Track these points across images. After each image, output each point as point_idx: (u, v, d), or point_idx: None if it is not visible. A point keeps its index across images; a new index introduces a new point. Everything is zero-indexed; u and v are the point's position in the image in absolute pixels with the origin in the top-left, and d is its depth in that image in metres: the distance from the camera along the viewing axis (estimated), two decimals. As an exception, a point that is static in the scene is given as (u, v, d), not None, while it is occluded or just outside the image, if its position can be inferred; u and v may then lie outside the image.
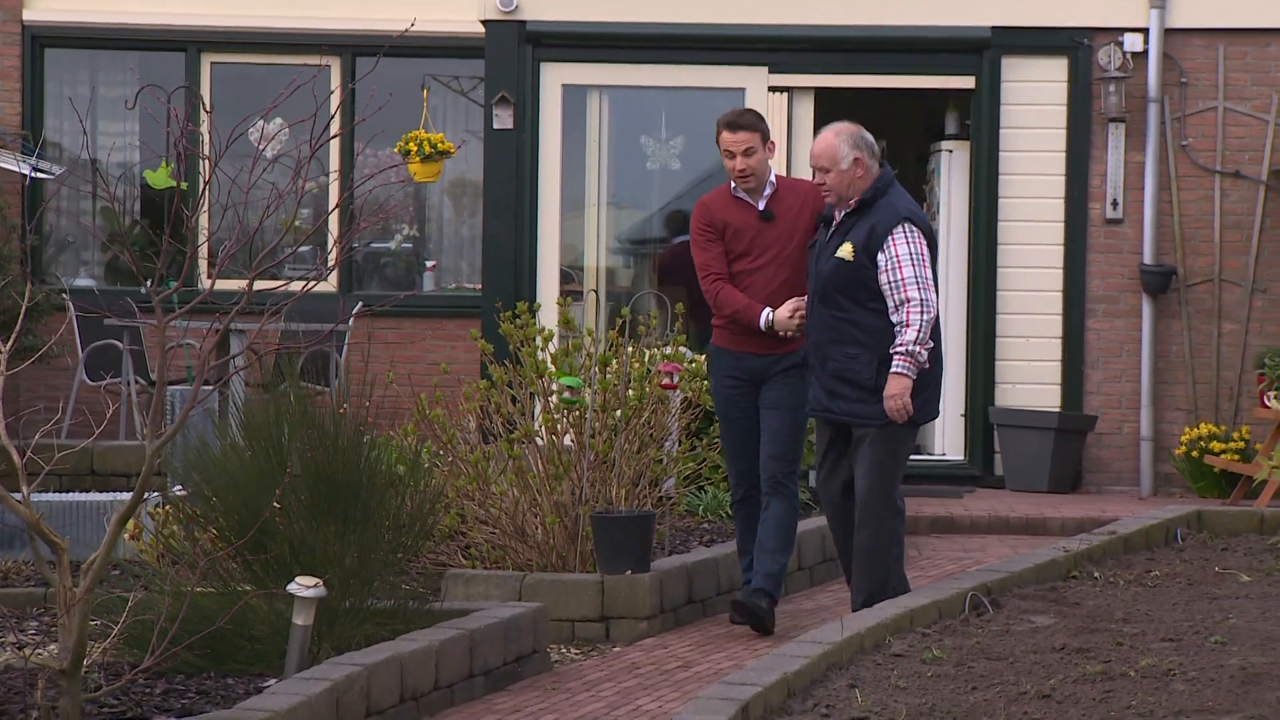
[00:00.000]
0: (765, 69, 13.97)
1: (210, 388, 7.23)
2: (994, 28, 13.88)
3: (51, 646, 7.93)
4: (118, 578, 8.55)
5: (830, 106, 14.52)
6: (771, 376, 9.10)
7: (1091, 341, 13.90)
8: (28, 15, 15.10)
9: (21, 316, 6.83)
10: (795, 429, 9.13)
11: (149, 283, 6.47)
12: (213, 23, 15.04)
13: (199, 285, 14.25)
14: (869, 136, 8.86)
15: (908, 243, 8.53)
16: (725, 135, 9.04)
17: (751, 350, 9.10)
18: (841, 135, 8.74)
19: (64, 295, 13.61)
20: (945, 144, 14.55)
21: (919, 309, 8.46)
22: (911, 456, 14.29)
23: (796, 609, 9.86)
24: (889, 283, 8.50)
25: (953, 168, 14.39)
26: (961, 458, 14.09)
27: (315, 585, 7.27)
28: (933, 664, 7.50)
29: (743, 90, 13.90)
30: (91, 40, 15.20)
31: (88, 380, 13.69)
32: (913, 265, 8.50)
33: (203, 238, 12.77)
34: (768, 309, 8.96)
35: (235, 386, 11.39)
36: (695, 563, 9.66)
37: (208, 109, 11.73)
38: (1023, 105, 13.96)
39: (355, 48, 14.76)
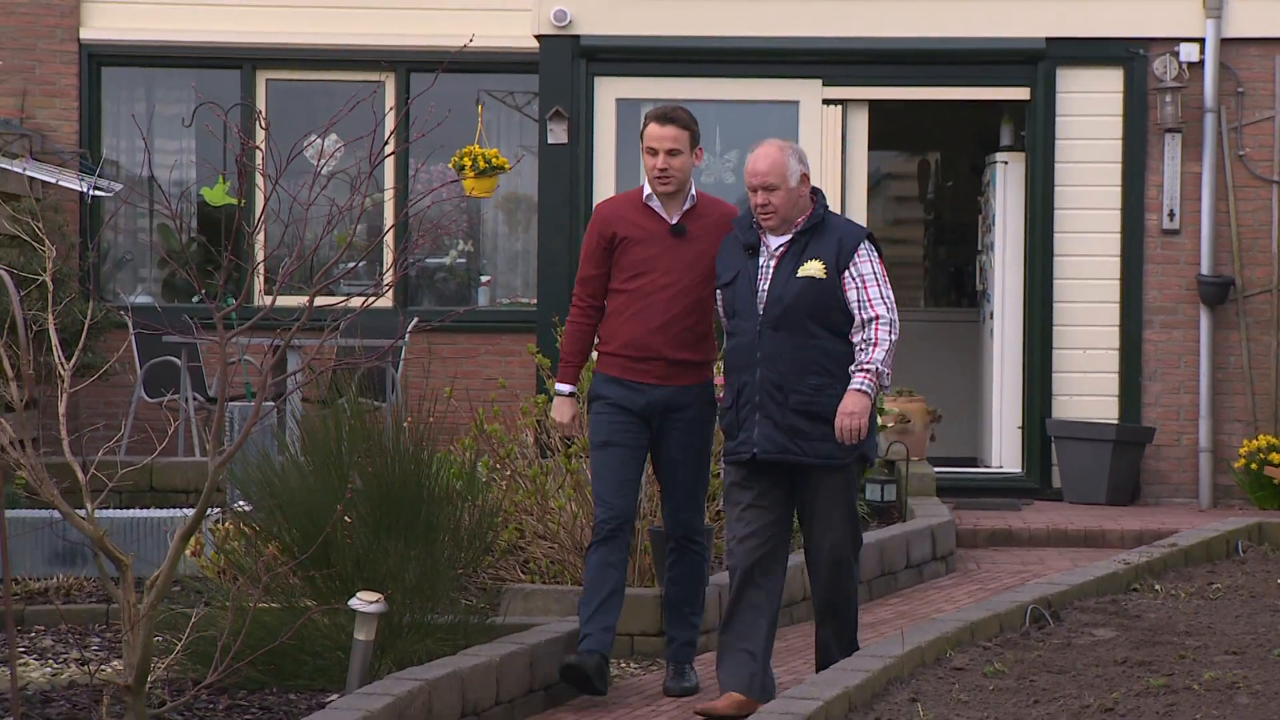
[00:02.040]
0: (819, 82, 13.96)
1: (271, 404, 7.24)
2: (1049, 39, 13.85)
3: (116, 662, 7.97)
4: (180, 594, 8.58)
5: (884, 119, 14.53)
6: (671, 416, 8.02)
7: (1149, 353, 13.84)
8: (85, 34, 15.19)
9: (83, 334, 6.86)
10: (700, 478, 8.16)
11: (203, 293, 6.48)
12: (268, 40, 15.10)
13: (255, 302, 14.31)
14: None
15: (871, 261, 7.76)
16: (652, 129, 8.02)
17: (647, 380, 8.00)
18: (787, 150, 7.83)
19: (123, 313, 13.68)
20: (1000, 156, 14.52)
21: (888, 328, 7.68)
22: (968, 469, 14.42)
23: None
24: (856, 300, 7.69)
25: (1008, 179, 14.35)
26: (1019, 470, 14.04)
27: (377, 601, 7.29)
28: (994, 678, 7.48)
29: (796, 103, 13.90)
30: (148, 58, 15.27)
31: (146, 397, 13.75)
32: (878, 284, 7.73)
33: (260, 255, 12.85)
34: (571, 388, 8.16)
35: (293, 402, 11.43)
36: (754, 576, 9.62)
37: (265, 125, 11.82)
38: (1078, 116, 13.92)
39: (410, 63, 14.80)
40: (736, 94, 14.08)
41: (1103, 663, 7.72)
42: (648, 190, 8.07)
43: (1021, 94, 14.01)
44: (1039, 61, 13.86)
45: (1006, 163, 14.41)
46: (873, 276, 7.72)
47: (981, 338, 14.96)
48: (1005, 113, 14.68)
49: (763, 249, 7.80)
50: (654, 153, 7.99)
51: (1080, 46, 13.91)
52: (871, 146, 14.27)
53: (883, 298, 7.70)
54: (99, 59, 15.25)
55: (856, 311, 7.69)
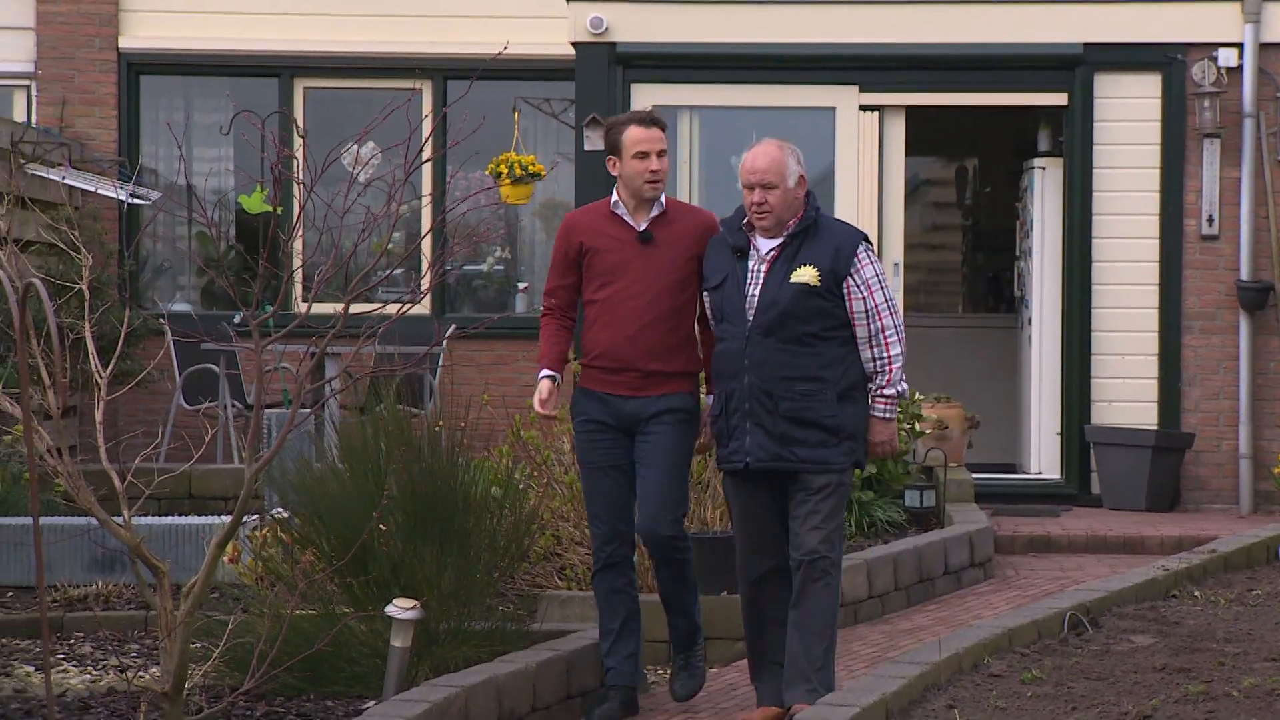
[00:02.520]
0: (856, 88, 13.93)
1: (307, 411, 7.25)
2: (1086, 44, 13.81)
3: (153, 669, 7.99)
4: (217, 600, 8.61)
5: (922, 125, 14.50)
6: (647, 421, 7.80)
7: (1188, 359, 13.79)
8: (124, 43, 15.25)
9: (120, 342, 6.88)
10: (678, 481, 7.82)
11: (239, 303, 6.50)
12: (306, 48, 15.16)
13: (294, 309, 14.35)
14: None
15: (872, 264, 7.54)
16: (638, 132, 7.79)
17: (621, 392, 7.81)
18: (786, 149, 7.58)
19: (161, 320, 13.73)
20: (1038, 161, 14.48)
21: (896, 336, 7.50)
22: (1007, 475, 14.38)
23: (894, 629, 9.82)
24: (863, 310, 7.48)
25: (1046, 185, 14.31)
26: (1058, 476, 14.00)
27: (413, 607, 7.30)
28: (1032, 684, 7.46)
29: (833, 109, 13.88)
30: (186, 66, 15.33)
31: (185, 405, 13.79)
32: (883, 289, 7.53)
33: (297, 262, 12.88)
34: (552, 373, 7.88)
35: (331, 409, 11.45)
36: (791, 583, 9.61)
37: (302, 133, 11.85)
38: (1116, 122, 13.88)
39: (446, 71, 14.84)
40: (772, 100, 14.05)
41: (1141, 669, 7.69)
42: (615, 198, 7.88)
43: (1059, 99, 13.97)
44: (1077, 67, 13.82)
45: (1044, 168, 14.37)
46: (876, 281, 7.51)
47: (1019, 344, 14.92)
48: (1043, 118, 14.64)
49: (752, 252, 7.59)
50: (645, 156, 7.78)
51: (1118, 52, 13.87)
52: (909, 152, 14.24)
53: (887, 303, 7.51)
54: (138, 68, 15.32)
55: (864, 322, 7.49)
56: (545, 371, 7.88)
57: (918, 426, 12.44)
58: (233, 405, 13.65)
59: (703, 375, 7.98)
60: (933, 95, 14.08)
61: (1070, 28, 13.86)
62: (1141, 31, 13.83)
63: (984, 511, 12.32)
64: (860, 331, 7.50)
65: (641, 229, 7.83)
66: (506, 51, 9.97)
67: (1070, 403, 13.85)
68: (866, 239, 7.62)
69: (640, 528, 7.81)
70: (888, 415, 7.55)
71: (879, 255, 13.73)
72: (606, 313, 7.81)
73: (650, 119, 7.85)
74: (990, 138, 16.93)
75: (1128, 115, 13.87)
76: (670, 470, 7.77)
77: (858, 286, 7.49)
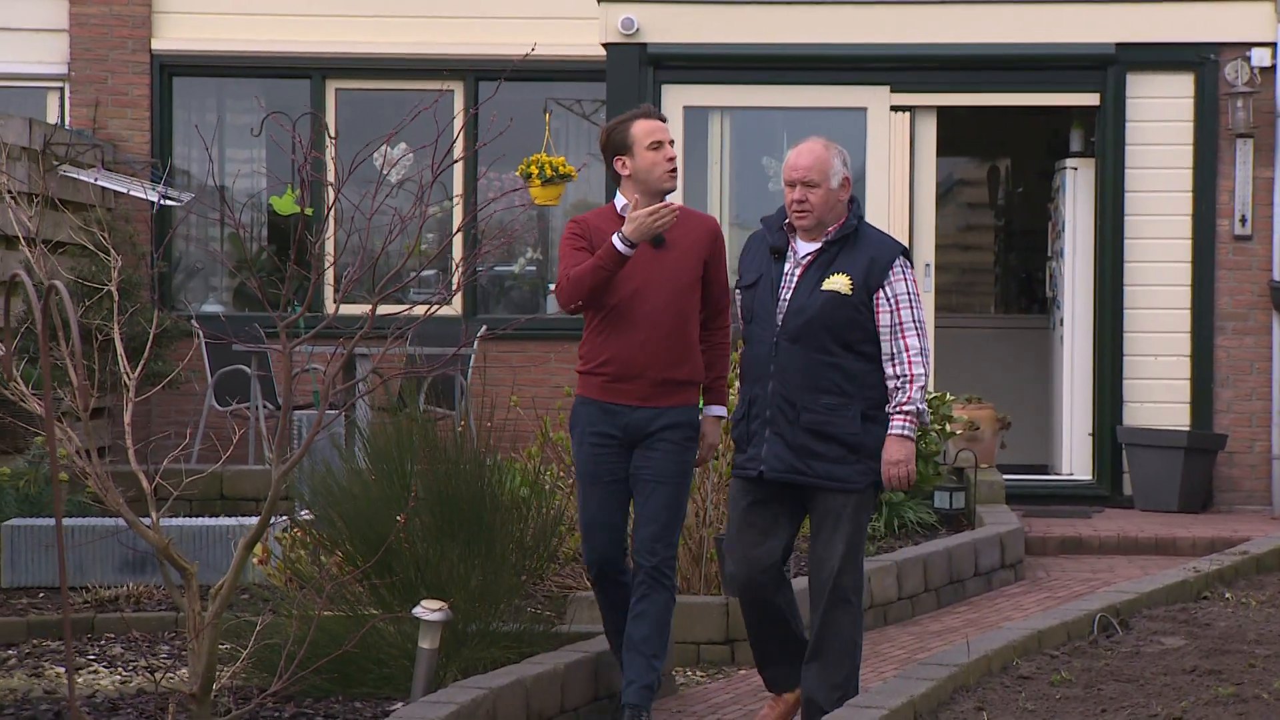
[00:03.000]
0: (887, 88, 13.91)
1: (334, 412, 7.26)
2: (1118, 44, 13.77)
3: (183, 671, 8.01)
4: (246, 602, 8.62)
5: (955, 125, 14.48)
6: (650, 436, 7.47)
7: (1221, 359, 13.74)
8: (156, 45, 15.30)
9: (149, 344, 6.89)
10: (678, 506, 7.53)
11: (269, 308, 6.51)
12: (338, 49, 15.19)
13: (325, 310, 14.37)
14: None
15: (906, 280, 7.28)
16: (646, 125, 7.47)
17: (628, 402, 7.44)
18: (832, 149, 7.32)
19: (191, 321, 13.77)
20: (1070, 161, 14.45)
21: (921, 358, 7.22)
22: (1039, 477, 14.35)
23: (924, 630, 9.80)
24: (889, 325, 7.24)
25: (1078, 185, 14.28)
26: (1090, 477, 13.97)
27: (440, 609, 7.30)
28: (1061, 686, 7.43)
29: (864, 110, 13.86)
30: (219, 68, 15.38)
31: (217, 406, 13.83)
32: (912, 308, 7.25)
33: (328, 263, 12.90)
34: (616, 233, 7.27)
35: (361, 410, 11.47)
36: (820, 584, 9.59)
37: (333, 136, 11.87)
38: (1148, 122, 13.84)
39: (478, 72, 14.86)
40: (803, 101, 14.04)
41: (1171, 671, 7.65)
42: (622, 201, 7.50)
43: (1091, 99, 13.94)
44: (1109, 66, 13.79)
45: (1076, 168, 14.33)
46: (907, 299, 7.25)
47: (1051, 344, 14.89)
48: (1075, 118, 14.61)
49: (790, 255, 7.37)
50: (659, 145, 7.44)
51: (1150, 51, 13.83)
52: (942, 153, 14.22)
53: (915, 322, 7.24)
54: (170, 69, 15.36)
55: (888, 338, 7.25)
56: (616, 234, 7.26)
57: (948, 427, 12.41)
58: (265, 406, 13.68)
59: (701, 386, 7.69)
60: (964, 95, 14.06)
61: (1102, 27, 13.82)
62: (1174, 31, 13.79)
63: (1015, 513, 12.30)
64: (885, 347, 7.26)
65: None
66: (537, 52, 9.97)
67: (1102, 403, 13.82)
68: (906, 253, 7.39)
69: (637, 546, 7.52)
70: (906, 433, 7.23)
71: (910, 256, 13.74)
72: (616, 318, 7.45)
73: (652, 112, 7.54)
74: (1023, 138, 16.90)
75: (1160, 115, 13.84)
76: (672, 495, 7.49)
77: (887, 300, 7.26)
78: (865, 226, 7.39)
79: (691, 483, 7.73)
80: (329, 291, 14.37)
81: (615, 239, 7.24)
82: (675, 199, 7.71)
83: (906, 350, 7.24)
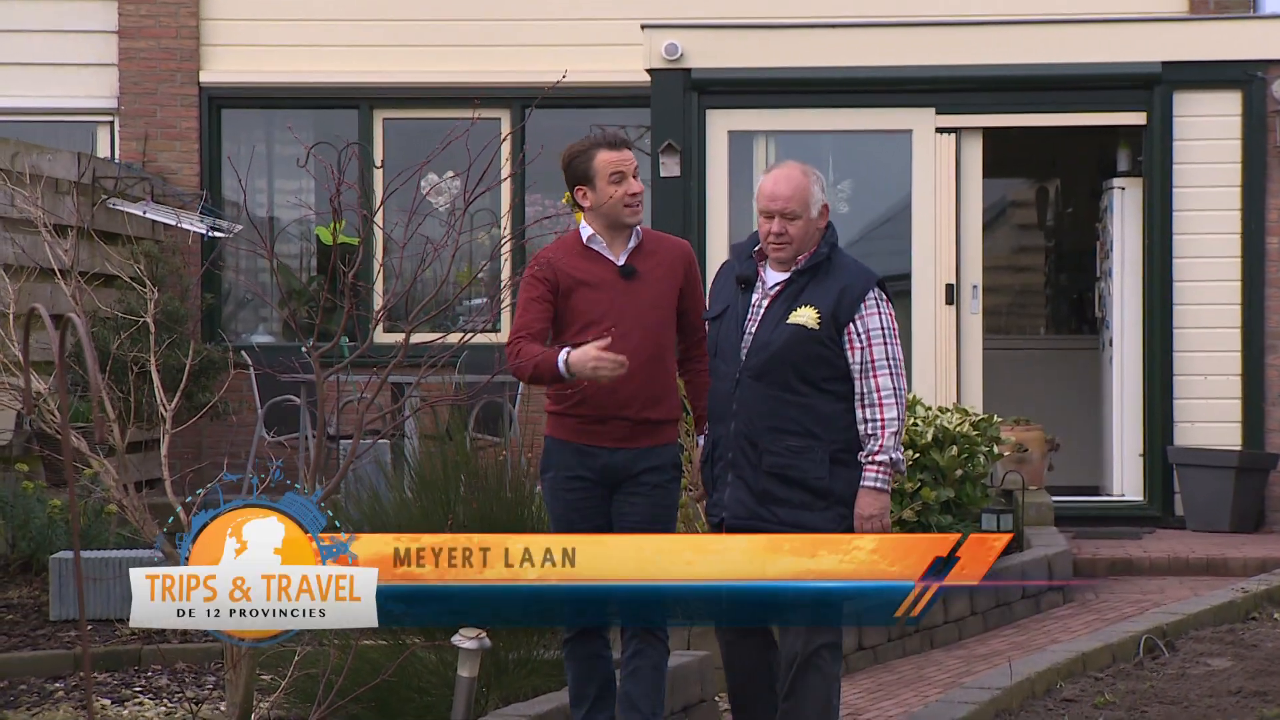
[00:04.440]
0: (932, 110, 13.89)
1: (369, 441, 7.27)
2: (1165, 63, 13.72)
3: (223, 703, 8.01)
4: (288, 631, 8.62)
5: (1005, 146, 14.44)
6: (631, 480, 6.84)
7: (1272, 378, 13.66)
8: (204, 77, 15.41)
9: (185, 375, 6.93)
10: None
11: (303, 338, 6.54)
12: (384, 79, 15.27)
13: (374, 339, 14.43)
14: None
15: (880, 314, 6.67)
16: (608, 155, 6.81)
17: (605, 444, 6.82)
18: (811, 175, 6.76)
19: (241, 353, 13.84)
20: (1117, 181, 14.40)
21: (894, 399, 6.61)
22: (1089, 498, 14.27)
23: (969, 654, 9.76)
24: (860, 362, 6.64)
25: (1125, 205, 14.23)
26: (1140, 498, 13.89)
27: (477, 636, 7.29)
28: (1105, 709, 7.40)
29: (909, 132, 13.84)
30: (267, 99, 15.47)
31: (267, 436, 13.89)
32: (885, 344, 6.64)
33: (377, 292, 12.94)
34: (567, 348, 6.63)
35: (410, 438, 11.49)
36: (866, 609, 9.57)
37: (378, 165, 11.92)
38: (1196, 140, 13.78)
39: (525, 100, 14.91)
40: (848, 124, 14.03)
41: (1217, 693, 7.61)
42: (588, 231, 6.91)
43: (1138, 119, 13.89)
44: (1155, 86, 13.74)
45: (1124, 188, 14.28)
46: (880, 334, 6.66)
47: (1101, 365, 14.83)
48: (1122, 137, 14.57)
49: (758, 285, 6.85)
50: (621, 178, 6.81)
51: (1197, 70, 13.78)
52: (992, 174, 14.19)
53: (889, 360, 6.65)
54: (219, 101, 15.47)
55: (859, 377, 6.65)
56: (565, 349, 6.64)
57: (996, 449, 12.37)
58: (313, 435, 13.72)
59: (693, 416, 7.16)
60: (1010, 116, 14.03)
61: (1148, 47, 13.78)
62: (1220, 49, 13.74)
63: (1063, 535, 12.25)
64: (856, 386, 6.65)
65: (622, 263, 6.88)
66: (582, 79, 10.00)
67: (1152, 424, 13.75)
68: (880, 283, 6.77)
69: None
70: (879, 485, 6.61)
71: (958, 278, 13.74)
72: None
73: (618, 140, 6.89)
74: (1071, 158, 16.85)
75: (1207, 133, 13.78)
76: None
77: (858, 335, 6.66)
78: (838, 254, 6.81)
79: (675, 525, 7.11)
80: (381, 320, 14.40)
81: (560, 363, 6.59)
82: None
83: (878, 391, 6.63)
